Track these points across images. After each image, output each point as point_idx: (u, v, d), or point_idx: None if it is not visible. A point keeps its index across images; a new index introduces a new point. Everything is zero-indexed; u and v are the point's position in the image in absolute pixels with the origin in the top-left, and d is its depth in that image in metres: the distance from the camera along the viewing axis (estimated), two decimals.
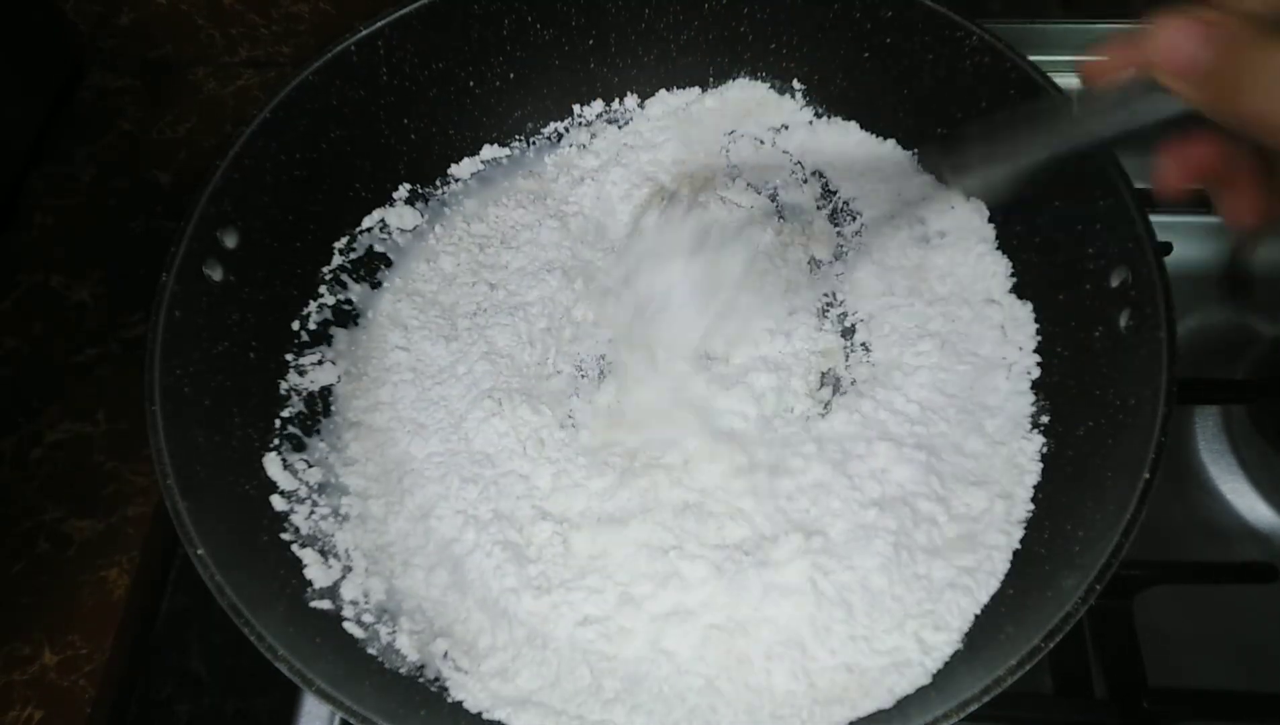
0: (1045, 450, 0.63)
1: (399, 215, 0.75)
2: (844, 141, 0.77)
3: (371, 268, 0.73)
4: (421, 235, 0.75)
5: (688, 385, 0.67)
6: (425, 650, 0.58)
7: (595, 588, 0.60)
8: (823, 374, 0.69)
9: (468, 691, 0.57)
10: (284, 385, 0.66)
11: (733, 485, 0.63)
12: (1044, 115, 0.52)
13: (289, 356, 0.67)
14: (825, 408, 0.67)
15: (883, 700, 0.55)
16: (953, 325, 0.68)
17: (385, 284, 0.73)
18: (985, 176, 0.55)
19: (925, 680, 0.55)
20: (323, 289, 0.70)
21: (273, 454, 0.63)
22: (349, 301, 0.72)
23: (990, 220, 0.71)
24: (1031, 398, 0.65)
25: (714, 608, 0.59)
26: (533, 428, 0.66)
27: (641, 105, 0.80)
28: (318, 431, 0.66)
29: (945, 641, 0.56)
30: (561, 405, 0.68)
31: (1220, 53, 0.38)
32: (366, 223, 0.73)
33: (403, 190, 0.75)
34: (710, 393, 0.67)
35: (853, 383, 0.68)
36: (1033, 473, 0.62)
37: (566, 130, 0.80)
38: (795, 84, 0.78)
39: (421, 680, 0.57)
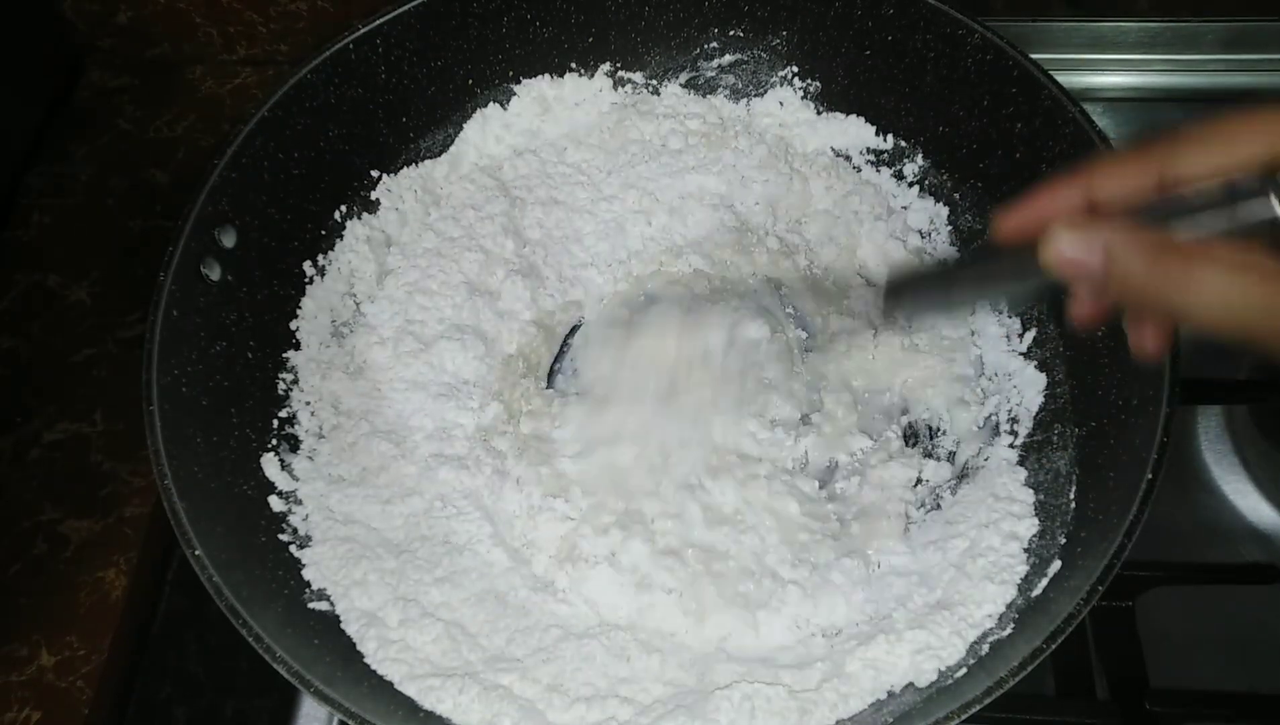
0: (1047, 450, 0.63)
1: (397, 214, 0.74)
2: (844, 140, 0.77)
3: (369, 267, 0.72)
4: (420, 235, 0.74)
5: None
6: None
7: (602, 592, 0.60)
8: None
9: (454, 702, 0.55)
10: (281, 385, 0.66)
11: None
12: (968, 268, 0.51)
13: (287, 356, 0.67)
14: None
15: (883, 701, 0.54)
16: (953, 326, 0.68)
17: (382, 283, 0.72)
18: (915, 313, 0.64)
19: (928, 681, 0.55)
20: None
21: (270, 454, 0.63)
22: (346, 301, 0.71)
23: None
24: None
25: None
26: (530, 434, 0.66)
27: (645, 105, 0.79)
28: (315, 432, 0.66)
29: (951, 642, 0.56)
30: (556, 415, 0.67)
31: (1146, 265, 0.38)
32: None
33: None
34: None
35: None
36: (1035, 473, 0.62)
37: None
38: (796, 82, 0.77)
39: None
